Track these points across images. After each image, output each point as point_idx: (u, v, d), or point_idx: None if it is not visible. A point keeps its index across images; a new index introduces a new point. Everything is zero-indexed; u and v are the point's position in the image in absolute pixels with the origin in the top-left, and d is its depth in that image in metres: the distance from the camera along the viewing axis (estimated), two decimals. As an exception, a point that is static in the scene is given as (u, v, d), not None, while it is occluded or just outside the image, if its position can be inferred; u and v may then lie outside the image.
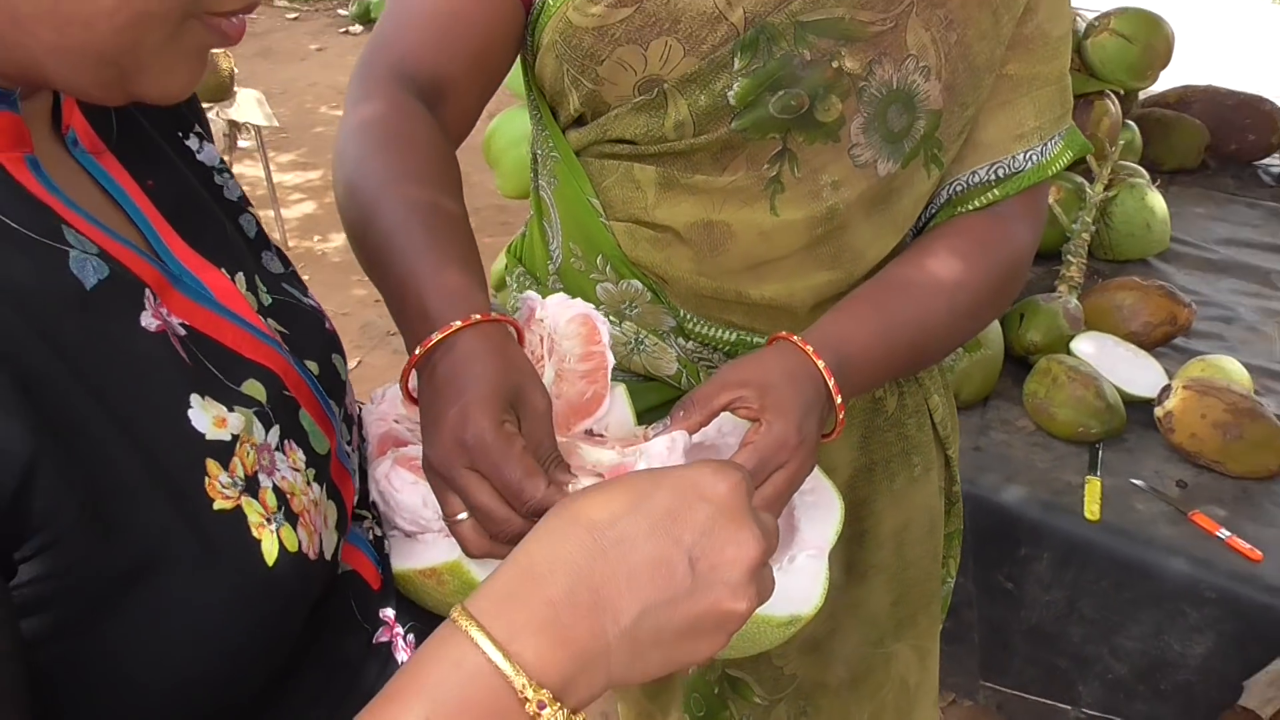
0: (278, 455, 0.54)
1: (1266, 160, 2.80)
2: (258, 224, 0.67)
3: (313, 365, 0.62)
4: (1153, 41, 2.38)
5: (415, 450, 0.64)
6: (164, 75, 0.49)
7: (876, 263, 0.94)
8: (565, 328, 0.69)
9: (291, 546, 0.52)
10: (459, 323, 0.64)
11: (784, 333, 0.81)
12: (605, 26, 0.82)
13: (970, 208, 0.95)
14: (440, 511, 0.60)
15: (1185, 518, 1.52)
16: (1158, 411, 1.66)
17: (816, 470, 0.77)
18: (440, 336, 0.64)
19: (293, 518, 0.53)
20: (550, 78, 0.88)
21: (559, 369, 0.69)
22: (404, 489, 0.61)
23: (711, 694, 1.10)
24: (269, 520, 0.51)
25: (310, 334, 0.64)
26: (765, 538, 0.48)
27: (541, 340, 0.70)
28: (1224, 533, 1.48)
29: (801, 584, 0.67)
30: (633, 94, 0.85)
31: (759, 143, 0.86)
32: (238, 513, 0.50)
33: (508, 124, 2.04)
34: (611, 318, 0.95)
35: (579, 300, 0.72)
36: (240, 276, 0.60)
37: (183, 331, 0.53)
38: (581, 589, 0.44)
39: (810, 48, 0.82)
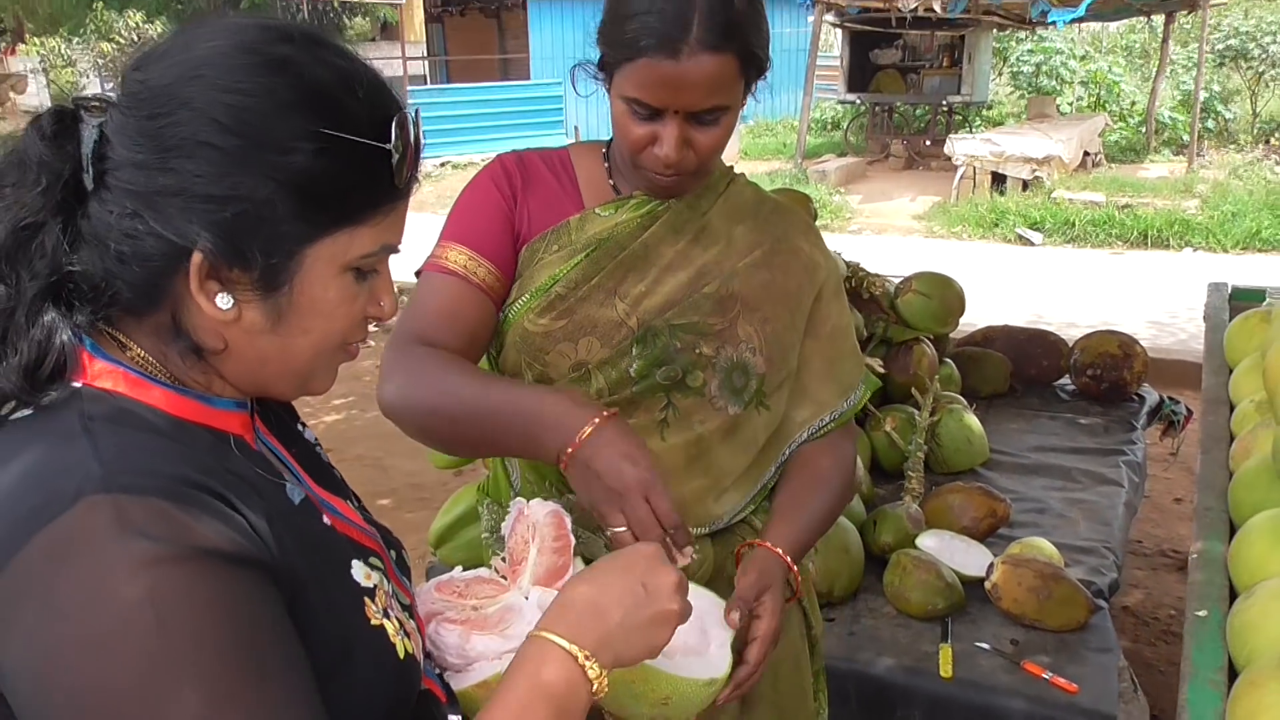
0: (394, 600, 0.87)
1: (1061, 380, 3.39)
2: (340, 476, 0.99)
3: (393, 554, 0.96)
4: (947, 296, 2.99)
5: (452, 614, 0.98)
6: (322, 380, 0.85)
7: (734, 474, 1.35)
8: (543, 520, 1.05)
9: (410, 650, 0.85)
10: (600, 416, 1.10)
11: (758, 541, 1.29)
12: (549, 331, 1.28)
13: (820, 438, 1.42)
14: (471, 651, 0.95)
15: (1019, 667, 1.88)
16: (987, 585, 2.05)
17: (719, 600, 1.14)
18: (590, 430, 1.09)
19: (406, 635, 0.85)
20: (511, 361, 1.32)
21: (540, 547, 1.04)
22: (449, 635, 0.95)
23: None
24: (398, 634, 0.84)
25: (387, 536, 0.98)
26: (679, 574, 0.90)
27: (529, 529, 1.05)
28: (1048, 675, 1.84)
29: (715, 661, 1.05)
30: (569, 372, 1.29)
31: (652, 399, 1.30)
32: (383, 628, 0.82)
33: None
34: None
35: (550, 502, 1.08)
36: (349, 502, 0.94)
37: (344, 534, 0.87)
38: (590, 609, 0.84)
39: (680, 340, 1.29)
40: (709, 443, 1.32)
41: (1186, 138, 12.88)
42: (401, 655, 0.83)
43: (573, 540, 1.04)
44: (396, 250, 0.83)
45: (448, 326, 1.25)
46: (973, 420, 2.79)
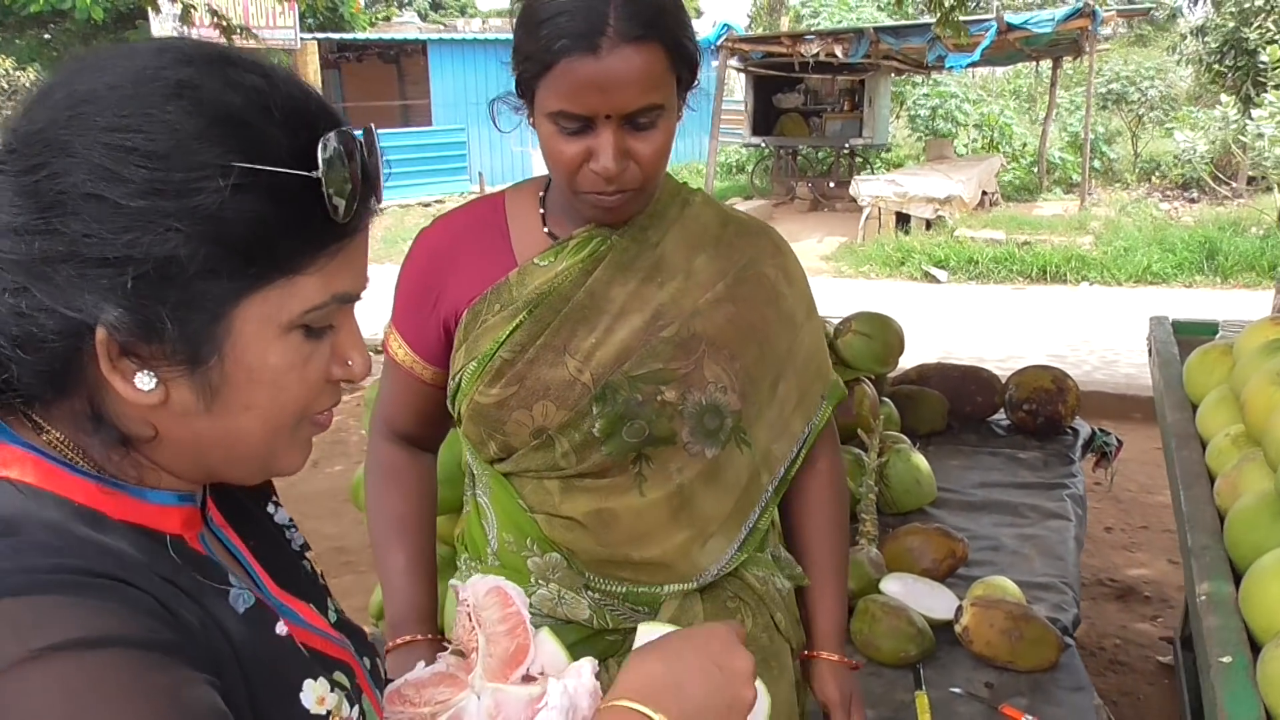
0: None
1: (996, 416, 3.43)
2: (313, 566, 0.88)
3: (366, 662, 0.83)
4: (887, 337, 3.00)
5: None
6: (288, 459, 0.71)
7: (719, 519, 1.27)
8: (484, 600, 0.89)
9: None
10: (403, 639, 1.30)
11: (816, 654, 1.39)
12: (502, 401, 1.20)
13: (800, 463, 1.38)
14: None
15: (997, 711, 1.85)
16: (957, 629, 2.02)
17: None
18: (391, 646, 1.27)
19: None
20: (473, 434, 1.25)
21: (488, 635, 0.88)
22: None
23: None
24: None
25: (360, 643, 0.85)
26: (753, 660, 0.83)
27: (469, 615, 0.90)
28: (1028, 717, 1.81)
29: None
30: (530, 439, 1.21)
31: (621, 458, 1.21)
32: None
33: (379, 463, 2.31)
34: (539, 581, 1.26)
35: (492, 576, 0.93)
36: (312, 605, 0.80)
37: (301, 646, 0.73)
38: (671, 685, 0.77)
39: (641, 392, 1.19)
40: (690, 491, 1.24)
41: (1076, 177, 13.49)
42: None
43: (525, 616, 0.88)
44: (355, 298, 0.69)
45: (410, 416, 1.36)
46: (919, 459, 2.79)
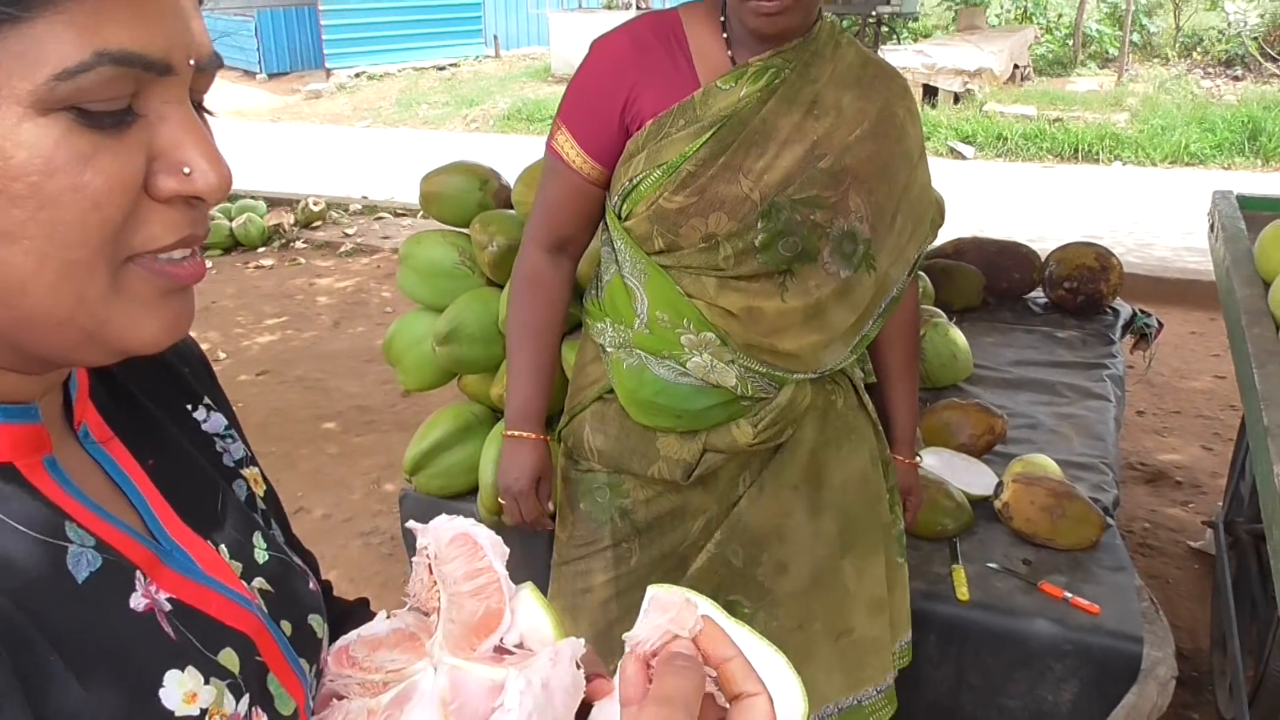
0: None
1: (1034, 294, 3.34)
2: (249, 488, 0.70)
3: (286, 626, 0.64)
4: (930, 208, 2.88)
5: (353, 696, 0.66)
6: (132, 326, 0.49)
7: (843, 329, 1.45)
8: (447, 549, 0.68)
9: None
10: (521, 434, 1.53)
11: (894, 457, 1.66)
12: (683, 208, 1.35)
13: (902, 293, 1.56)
14: None
15: (1036, 588, 1.83)
16: (996, 504, 1.99)
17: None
18: (511, 435, 1.54)
19: None
20: (641, 230, 1.39)
21: (450, 593, 0.66)
22: None
23: None
24: None
25: (293, 594, 0.66)
26: None
27: (429, 568, 0.67)
28: (1068, 595, 1.79)
29: None
30: (698, 243, 1.37)
31: (773, 267, 1.38)
32: None
33: (406, 328, 2.24)
34: (693, 351, 1.42)
35: (459, 518, 0.70)
36: (224, 547, 0.62)
37: (169, 606, 0.55)
38: None
39: (799, 213, 1.36)
40: (824, 304, 1.42)
41: (1113, 51, 12.96)
42: None
43: (500, 571, 0.66)
44: (158, 65, 0.46)
45: (571, 216, 1.48)
46: (957, 334, 2.72)
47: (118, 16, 0.44)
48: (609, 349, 1.50)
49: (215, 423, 0.69)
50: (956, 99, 11.13)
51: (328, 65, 14.56)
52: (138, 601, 0.53)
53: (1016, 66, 12.30)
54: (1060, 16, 15.11)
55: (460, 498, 2.16)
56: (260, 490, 0.72)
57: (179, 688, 0.53)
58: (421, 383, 2.24)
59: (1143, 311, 3.22)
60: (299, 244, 6.88)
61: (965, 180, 8.63)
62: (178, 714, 0.52)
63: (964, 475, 2.11)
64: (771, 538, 1.52)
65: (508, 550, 0.66)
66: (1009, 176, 8.90)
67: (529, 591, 0.67)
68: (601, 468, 1.54)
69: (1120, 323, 3.11)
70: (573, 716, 0.59)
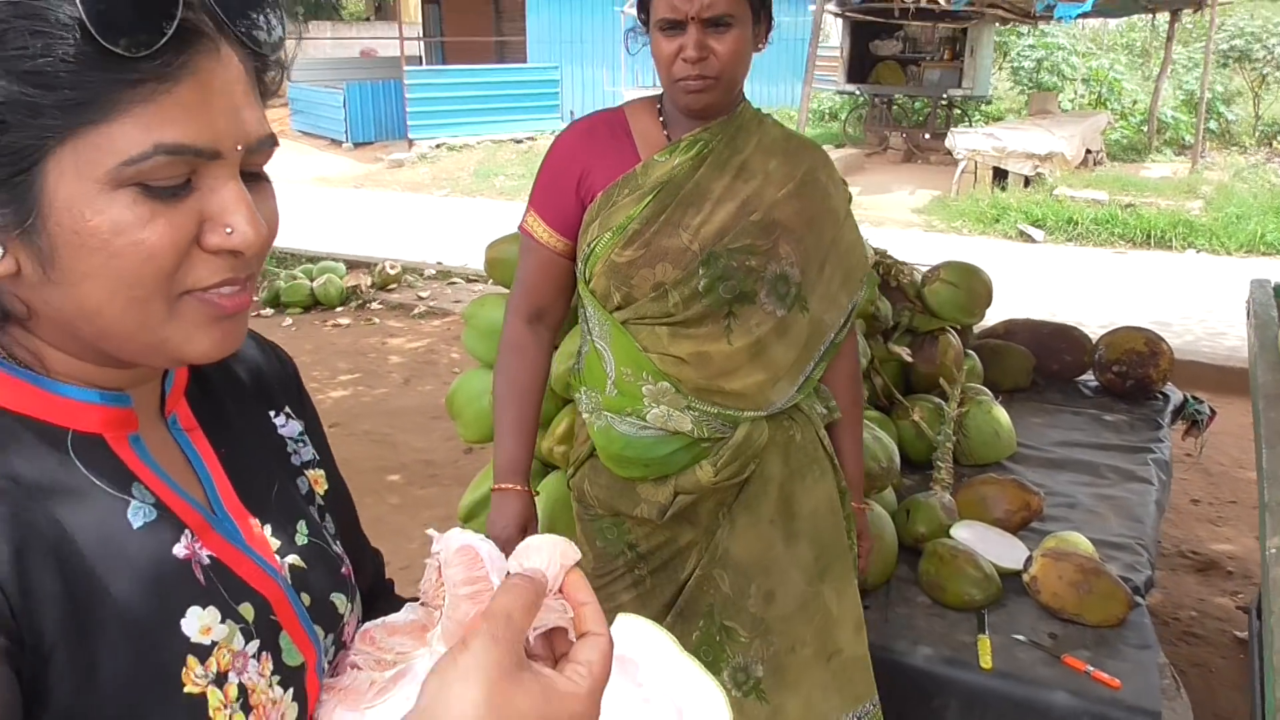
0: (251, 661, 0.69)
1: (1084, 376, 3.37)
2: (310, 485, 0.85)
3: (306, 597, 0.76)
4: (974, 286, 2.96)
5: (366, 670, 0.78)
6: (187, 343, 0.63)
7: (786, 366, 1.62)
8: (453, 558, 0.76)
9: None
10: (507, 486, 1.68)
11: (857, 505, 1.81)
12: (632, 260, 1.56)
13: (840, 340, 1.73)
14: None
15: (1059, 661, 1.86)
16: (1025, 578, 2.03)
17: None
18: (495, 489, 1.68)
19: (248, 709, 0.67)
20: (601, 287, 1.60)
21: (450, 595, 0.75)
22: (323, 707, 0.76)
23: (714, 641, 1.69)
24: (225, 707, 0.66)
25: (321, 574, 0.79)
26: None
27: (439, 571, 0.77)
28: (1090, 669, 1.82)
29: None
30: (649, 292, 1.57)
31: (717, 309, 1.58)
32: (202, 698, 0.64)
33: (467, 383, 2.39)
34: (652, 403, 1.61)
35: (470, 532, 0.79)
36: (269, 526, 0.75)
37: (207, 561, 0.68)
38: None
39: (735, 259, 1.56)
40: (765, 341, 1.61)
41: (1188, 138, 12.89)
42: None
43: (493, 582, 0.75)
44: (205, 153, 0.59)
45: (547, 287, 1.70)
46: (1001, 413, 2.77)
47: (173, 116, 0.58)
48: (585, 414, 1.71)
49: (291, 429, 0.85)
50: (1026, 182, 11.16)
51: (410, 136, 15.16)
52: (180, 550, 0.67)
53: (1089, 151, 12.30)
54: (1135, 103, 15.10)
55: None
56: (321, 489, 0.86)
57: (198, 620, 0.66)
58: (480, 435, 2.37)
59: (1194, 398, 3.23)
60: (374, 305, 7.16)
61: (1033, 263, 8.63)
62: (192, 640, 0.65)
63: (995, 548, 2.16)
64: (756, 569, 1.68)
65: (506, 566, 0.74)
66: (1079, 261, 8.87)
67: None
68: (603, 511, 1.72)
69: (1170, 408, 3.13)
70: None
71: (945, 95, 13.76)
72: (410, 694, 0.73)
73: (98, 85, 0.56)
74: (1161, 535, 3.61)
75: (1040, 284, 7.68)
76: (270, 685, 0.70)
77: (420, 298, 7.29)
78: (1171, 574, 3.33)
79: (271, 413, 0.84)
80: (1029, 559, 2.05)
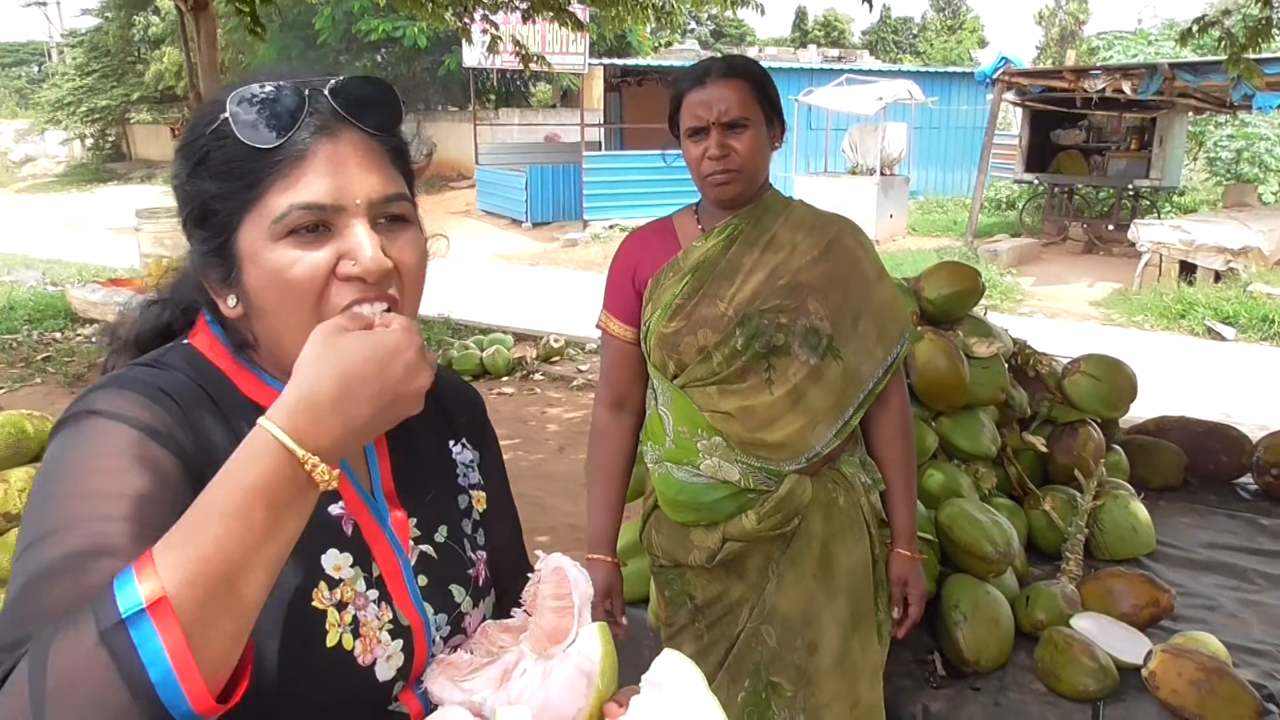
0: (371, 606, 0.88)
1: (1243, 479, 3.23)
2: (471, 502, 1.04)
3: (422, 579, 0.94)
4: (1118, 380, 2.92)
5: (480, 654, 0.96)
6: None
7: (824, 410, 1.78)
8: (547, 575, 0.94)
9: (347, 647, 0.86)
10: (596, 557, 1.93)
11: (895, 550, 1.92)
12: (677, 331, 1.80)
13: (880, 389, 1.87)
14: (434, 692, 0.92)
15: (1174, 760, 1.82)
16: (1144, 672, 2.00)
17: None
18: (589, 559, 1.91)
19: (357, 634, 0.86)
20: (658, 358, 1.85)
21: (541, 607, 0.94)
22: (431, 673, 0.93)
23: (760, 699, 1.83)
24: (339, 626, 0.85)
25: (446, 569, 0.97)
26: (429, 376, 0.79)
27: (536, 584, 0.96)
28: (1206, 771, 1.77)
29: None
30: (695, 355, 1.79)
31: (756, 365, 1.77)
32: (323, 613, 0.85)
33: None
34: (705, 455, 1.80)
35: (566, 558, 0.96)
36: (414, 519, 0.95)
37: (352, 525, 0.90)
38: (318, 398, 0.73)
39: (766, 318, 1.77)
40: (803, 389, 1.78)
41: (1405, 235, 11.89)
42: (331, 644, 0.85)
43: (576, 602, 0.93)
44: (328, 206, 0.81)
45: (625, 374, 1.95)
46: (1139, 508, 2.71)
47: (304, 182, 0.81)
48: (650, 464, 1.92)
49: (465, 456, 1.05)
50: (1217, 277, 10.60)
51: (585, 216, 15.86)
52: (335, 510, 0.89)
53: (1289, 247, 11.56)
54: (1345, 196, 14.11)
55: (634, 604, 2.39)
56: (480, 507, 1.05)
57: (333, 558, 0.88)
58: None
59: (1365, 507, 3.03)
60: (537, 375, 7.52)
61: (1222, 363, 8.18)
62: (325, 571, 0.86)
63: (1116, 641, 2.12)
64: (800, 622, 1.82)
65: (591, 591, 0.96)
66: (1275, 362, 8.33)
67: (598, 629, 0.92)
68: (667, 561, 1.88)
69: (1336, 516, 2.95)
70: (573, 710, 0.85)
71: (1131, 186, 13.27)
72: (493, 676, 0.90)
73: (259, 170, 0.82)
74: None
75: (1227, 384, 7.26)
76: (381, 628, 0.89)
77: (580, 370, 7.61)
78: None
79: (450, 440, 1.04)
80: (1149, 654, 2.02)
